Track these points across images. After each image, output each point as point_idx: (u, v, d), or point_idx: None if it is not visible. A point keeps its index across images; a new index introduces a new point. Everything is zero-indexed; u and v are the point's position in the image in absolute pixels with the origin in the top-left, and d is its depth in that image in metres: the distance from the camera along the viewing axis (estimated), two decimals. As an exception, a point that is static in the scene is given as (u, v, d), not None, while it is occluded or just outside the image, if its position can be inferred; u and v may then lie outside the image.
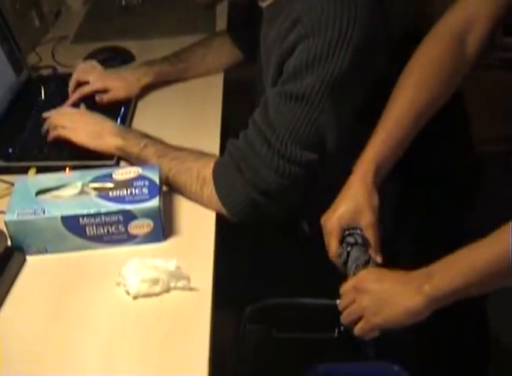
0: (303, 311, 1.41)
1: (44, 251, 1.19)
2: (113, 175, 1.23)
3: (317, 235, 1.22)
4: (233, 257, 1.39)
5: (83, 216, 1.15)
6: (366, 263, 1.14)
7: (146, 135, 1.38)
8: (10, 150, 1.46)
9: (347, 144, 1.23)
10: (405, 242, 1.37)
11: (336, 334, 1.33)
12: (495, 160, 2.30)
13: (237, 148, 1.26)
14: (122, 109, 1.60)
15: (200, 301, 1.08)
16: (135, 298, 1.09)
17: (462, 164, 1.38)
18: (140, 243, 1.19)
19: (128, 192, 1.18)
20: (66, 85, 1.67)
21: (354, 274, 1.13)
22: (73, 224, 1.16)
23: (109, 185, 1.21)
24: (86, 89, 1.63)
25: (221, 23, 2.01)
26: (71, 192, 1.22)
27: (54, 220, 1.15)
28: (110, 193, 1.19)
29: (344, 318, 1.14)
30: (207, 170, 1.27)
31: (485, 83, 2.04)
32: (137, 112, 1.63)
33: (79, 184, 1.22)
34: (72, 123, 1.43)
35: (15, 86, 1.69)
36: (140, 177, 1.22)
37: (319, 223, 1.22)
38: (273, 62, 1.28)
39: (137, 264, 1.09)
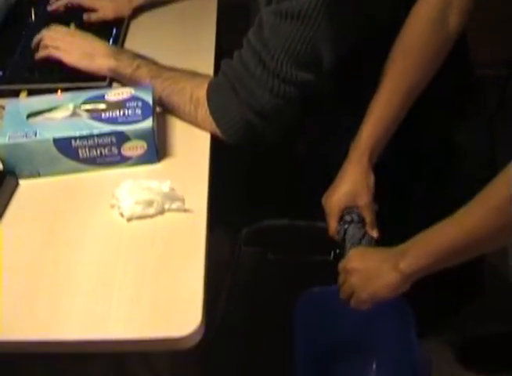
0: (299, 234, 1.41)
1: (36, 174, 1.18)
2: (106, 96, 1.21)
3: (313, 155, 1.21)
4: (228, 179, 1.38)
5: (75, 138, 1.14)
6: (360, 240, 1.22)
7: (138, 56, 1.35)
8: (0, 73, 1.43)
9: (345, 70, 1.21)
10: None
11: (331, 257, 1.33)
12: (493, 84, 2.27)
13: (232, 68, 1.24)
14: (114, 30, 1.56)
15: (195, 223, 1.07)
16: (129, 220, 1.08)
17: (460, 85, 1.35)
18: (134, 164, 1.18)
19: (121, 113, 1.16)
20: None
21: (348, 252, 1.22)
22: (65, 146, 1.15)
23: (102, 106, 1.19)
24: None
25: None
26: (63, 114, 1.19)
27: (46, 143, 1.14)
28: (103, 115, 1.17)
29: (341, 294, 1.23)
30: (201, 90, 1.24)
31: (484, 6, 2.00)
32: (129, 33, 1.59)
33: (71, 106, 1.20)
34: (64, 44, 1.40)
35: (4, 8, 1.65)
36: (133, 98, 1.20)
37: (316, 143, 1.21)
38: None
39: (131, 186, 1.08)
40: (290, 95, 1.20)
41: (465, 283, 1.69)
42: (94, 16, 1.59)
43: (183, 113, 1.28)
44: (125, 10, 1.62)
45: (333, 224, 1.26)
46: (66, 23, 1.55)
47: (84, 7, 1.61)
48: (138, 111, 1.17)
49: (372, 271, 1.16)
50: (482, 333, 1.87)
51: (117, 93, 1.22)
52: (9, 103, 1.25)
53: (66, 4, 1.64)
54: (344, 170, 1.26)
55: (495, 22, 2.32)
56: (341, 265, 1.21)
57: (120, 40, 1.54)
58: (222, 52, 1.45)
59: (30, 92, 1.35)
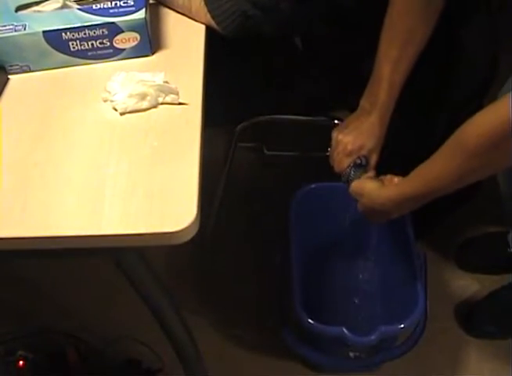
0: (295, 129, 1.39)
1: (27, 69, 1.15)
2: (97, -13, 1.17)
3: (309, 50, 1.19)
4: (224, 73, 1.35)
5: (66, 30, 1.10)
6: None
7: None
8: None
9: None
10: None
11: (328, 152, 1.33)
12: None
13: (227, -42, 1.19)
14: None
15: (190, 115, 1.05)
16: (122, 113, 1.06)
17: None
18: (126, 57, 1.15)
19: (113, 4, 1.13)
20: None
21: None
22: (55, 39, 1.11)
23: (93, -3, 1.15)
24: None
25: None
26: (53, 6, 1.16)
27: (36, 36, 1.10)
28: (94, 6, 1.13)
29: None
30: (196, -19, 1.21)
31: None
32: None
33: (61, -2, 1.16)
34: None
35: None
36: (125, -12, 1.16)
37: (313, 40, 1.18)
38: None
39: (123, 78, 1.06)
40: None
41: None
42: None
43: (177, 4, 1.24)
44: None
45: (345, 162, 1.31)
46: None
47: None
48: (131, 2, 1.13)
49: (369, 205, 1.24)
50: (476, 234, 1.88)
51: (108, -17, 1.17)
52: (-4, -4, 1.20)
53: None
54: (360, 122, 1.29)
55: None
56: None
57: None
58: None
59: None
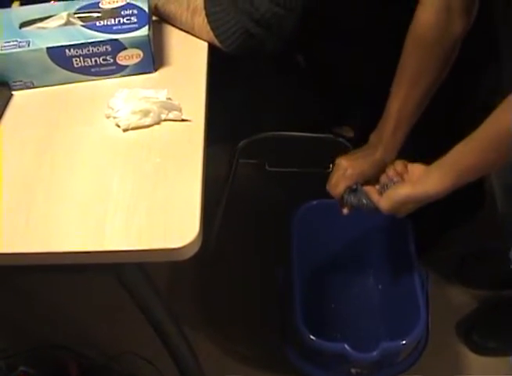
0: (297, 145, 1.40)
1: (30, 85, 1.16)
2: (100, 4, 1.18)
3: (312, 69, 1.19)
4: (227, 90, 1.36)
5: (69, 47, 1.11)
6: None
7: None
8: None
9: None
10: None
11: (330, 168, 1.33)
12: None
13: (230, -25, 1.20)
14: None
15: (192, 132, 1.06)
16: (125, 130, 1.06)
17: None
18: (129, 74, 1.16)
19: (116, 21, 1.14)
20: None
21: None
22: (59, 55, 1.12)
23: (96, 14, 1.16)
24: None
25: None
26: (57, 23, 1.17)
27: (39, 52, 1.11)
28: (97, 23, 1.14)
29: None
30: (198, -2, 1.22)
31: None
32: None
33: (65, 14, 1.17)
34: None
35: None
36: (128, 5, 1.17)
37: (315, 56, 1.19)
38: None
39: (126, 95, 1.06)
40: (290, 4, 1.17)
41: (465, 197, 1.69)
42: None
43: (180, 22, 1.25)
44: None
45: (341, 187, 1.30)
46: None
47: None
48: (134, 19, 1.14)
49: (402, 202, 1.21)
50: (481, 249, 1.88)
51: (111, 1, 1.18)
52: (1, 12, 1.21)
53: None
54: (365, 151, 1.30)
55: None
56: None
57: None
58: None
59: (23, 2, 1.31)
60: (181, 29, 1.26)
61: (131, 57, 1.14)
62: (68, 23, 1.16)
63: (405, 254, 1.49)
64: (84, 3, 1.19)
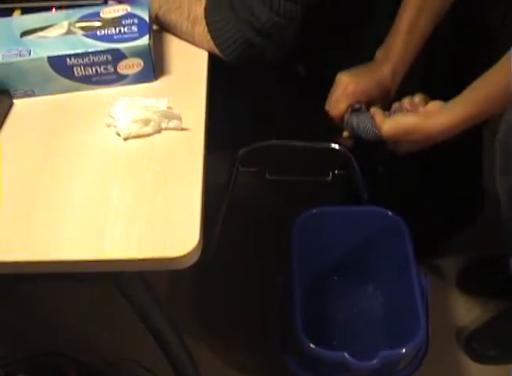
0: (297, 154, 1.40)
1: (31, 93, 1.16)
2: (101, 14, 1.19)
3: (312, 77, 1.20)
4: (227, 99, 1.37)
5: (70, 56, 1.12)
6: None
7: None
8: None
9: None
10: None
11: (330, 177, 1.33)
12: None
13: (230, -15, 1.21)
14: None
15: (192, 141, 1.06)
16: (125, 139, 1.07)
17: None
18: (130, 83, 1.16)
19: (117, 30, 1.14)
20: None
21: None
22: (60, 65, 1.12)
23: (97, 24, 1.17)
24: None
25: None
26: (58, 32, 1.17)
27: (40, 61, 1.12)
28: (98, 32, 1.15)
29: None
30: (199, 8, 1.22)
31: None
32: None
33: (65, 24, 1.18)
34: None
35: None
36: (129, 15, 1.17)
37: (314, 65, 1.19)
38: None
39: (127, 104, 1.07)
40: (291, 14, 1.18)
41: (463, 203, 1.70)
42: None
43: (180, 31, 1.25)
44: None
45: (342, 106, 1.23)
46: None
47: None
48: (135, 28, 1.14)
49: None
50: (481, 257, 1.88)
51: (112, 10, 1.19)
52: (1, 21, 1.22)
53: None
54: (369, 67, 1.25)
55: None
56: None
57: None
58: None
59: (24, 10, 1.31)
60: (181, 38, 1.27)
61: (131, 66, 1.14)
62: (69, 32, 1.17)
63: (405, 262, 1.48)
64: (85, 12, 1.20)
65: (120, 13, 1.18)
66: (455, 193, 1.66)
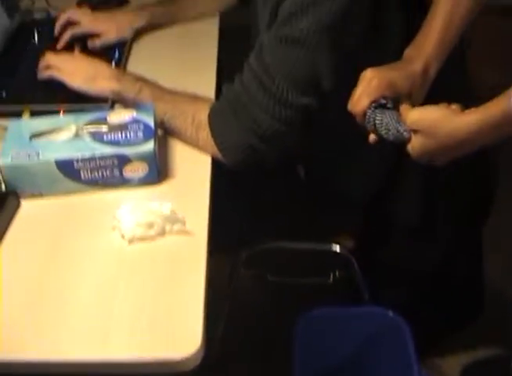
0: (298, 256, 1.41)
1: (38, 194, 1.18)
2: (108, 118, 1.22)
3: (312, 179, 1.22)
4: (228, 201, 1.39)
5: (77, 160, 1.14)
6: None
7: (140, 79, 1.36)
8: (3, 94, 1.44)
9: (343, 89, 1.22)
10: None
11: (331, 279, 1.34)
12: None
13: (233, 93, 1.25)
14: (116, 52, 1.57)
15: (196, 245, 1.08)
16: (130, 241, 1.08)
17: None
18: (135, 185, 1.19)
19: (123, 135, 1.17)
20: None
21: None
22: (67, 168, 1.15)
23: (104, 128, 1.20)
24: (77, 29, 1.61)
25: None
26: (66, 135, 1.20)
27: (48, 164, 1.14)
28: (105, 137, 1.18)
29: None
30: (203, 114, 1.25)
31: (486, 31, 2.00)
32: (132, 55, 1.60)
33: (73, 127, 1.21)
34: (67, 66, 1.41)
35: (8, 30, 1.66)
36: (135, 120, 1.21)
37: (315, 167, 1.22)
38: (268, 5, 1.26)
39: (132, 207, 1.09)
40: (291, 120, 1.21)
41: (464, 302, 1.70)
42: (98, 42, 1.59)
43: (185, 136, 1.29)
44: (126, 31, 1.63)
45: (364, 102, 1.14)
46: (70, 46, 1.57)
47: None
48: (140, 133, 1.18)
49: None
50: (484, 355, 1.87)
51: (119, 115, 1.23)
52: (11, 123, 1.25)
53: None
54: (398, 64, 1.19)
55: None
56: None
57: (123, 62, 1.55)
58: (224, 75, 1.46)
59: (33, 113, 1.36)
60: (185, 142, 1.30)
61: (136, 170, 1.17)
62: (77, 135, 1.20)
63: (407, 361, 1.48)
64: (92, 117, 1.23)
65: (127, 118, 1.21)
66: (455, 293, 1.66)
